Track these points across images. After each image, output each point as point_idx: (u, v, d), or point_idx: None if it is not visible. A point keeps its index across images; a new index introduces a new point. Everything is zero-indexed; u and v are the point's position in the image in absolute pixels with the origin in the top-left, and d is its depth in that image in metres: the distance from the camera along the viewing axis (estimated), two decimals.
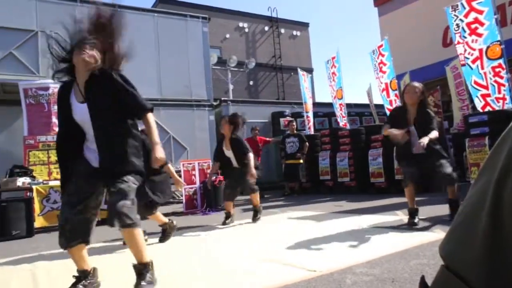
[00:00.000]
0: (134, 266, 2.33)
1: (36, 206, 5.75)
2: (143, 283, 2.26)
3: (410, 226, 3.81)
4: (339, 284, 2.20)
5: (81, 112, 2.30)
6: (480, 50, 6.21)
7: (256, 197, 5.29)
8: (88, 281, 2.35)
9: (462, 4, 6.48)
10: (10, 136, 8.28)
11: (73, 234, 2.26)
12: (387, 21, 14.56)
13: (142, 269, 2.31)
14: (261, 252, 3.25)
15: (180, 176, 7.55)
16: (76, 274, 2.36)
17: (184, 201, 7.26)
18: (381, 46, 8.35)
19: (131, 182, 2.30)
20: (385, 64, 8.26)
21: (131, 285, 2.31)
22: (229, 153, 5.26)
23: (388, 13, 14.64)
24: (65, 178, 2.35)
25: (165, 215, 6.85)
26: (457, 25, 6.56)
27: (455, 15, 6.61)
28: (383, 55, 8.31)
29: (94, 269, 2.43)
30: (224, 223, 5.05)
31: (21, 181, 5.90)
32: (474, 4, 6.33)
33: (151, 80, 10.07)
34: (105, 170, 2.29)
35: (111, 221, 2.18)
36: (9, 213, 5.40)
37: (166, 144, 10.21)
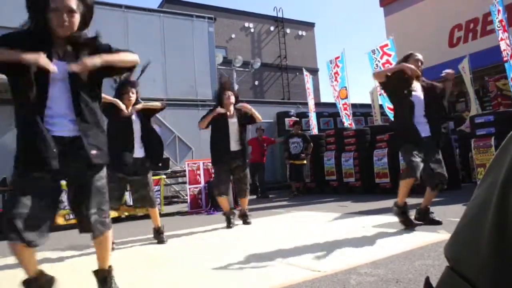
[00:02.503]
0: (98, 272, 2.18)
1: None
2: None
3: (411, 227, 3.66)
4: (343, 284, 2.20)
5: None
6: None
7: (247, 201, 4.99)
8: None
9: (495, 3, 6.78)
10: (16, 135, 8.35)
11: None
12: (393, 21, 14.50)
13: (107, 275, 2.18)
14: (265, 251, 3.24)
15: (184, 176, 7.59)
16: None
17: (188, 200, 7.28)
18: (385, 46, 8.32)
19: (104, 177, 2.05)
20: (391, 64, 8.24)
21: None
22: (232, 121, 4.64)
23: (394, 13, 14.58)
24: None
25: (170, 214, 6.93)
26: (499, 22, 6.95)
27: (494, 13, 6.91)
28: (389, 55, 8.28)
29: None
30: (229, 227, 4.74)
31: None
32: (498, 1, 6.62)
33: (157, 80, 10.11)
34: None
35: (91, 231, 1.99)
36: None
37: (171, 143, 10.26)
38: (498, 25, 6.87)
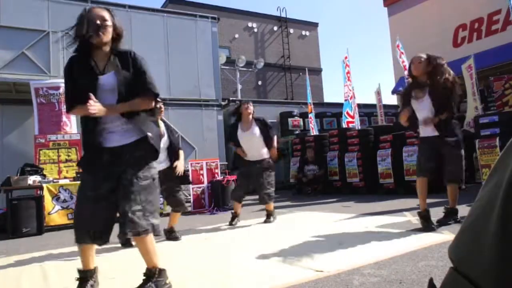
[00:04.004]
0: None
1: (47, 204, 5.82)
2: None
3: (428, 230, 3.51)
4: (346, 285, 2.19)
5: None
6: None
7: (271, 206, 5.09)
8: (94, 281, 2.27)
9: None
10: (21, 135, 8.39)
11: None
12: (396, 21, 14.46)
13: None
14: (268, 252, 3.24)
15: (188, 175, 7.61)
16: (78, 276, 2.26)
17: (192, 200, 7.29)
18: (398, 45, 8.40)
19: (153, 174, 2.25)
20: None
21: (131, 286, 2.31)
22: (247, 137, 4.89)
23: (398, 13, 14.54)
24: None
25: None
26: None
27: None
28: (402, 53, 8.36)
29: (96, 268, 2.34)
30: (230, 224, 4.99)
31: (31, 179, 5.98)
32: None
33: (160, 80, 10.12)
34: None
35: (124, 229, 2.12)
36: (20, 211, 5.47)
37: None
38: None
